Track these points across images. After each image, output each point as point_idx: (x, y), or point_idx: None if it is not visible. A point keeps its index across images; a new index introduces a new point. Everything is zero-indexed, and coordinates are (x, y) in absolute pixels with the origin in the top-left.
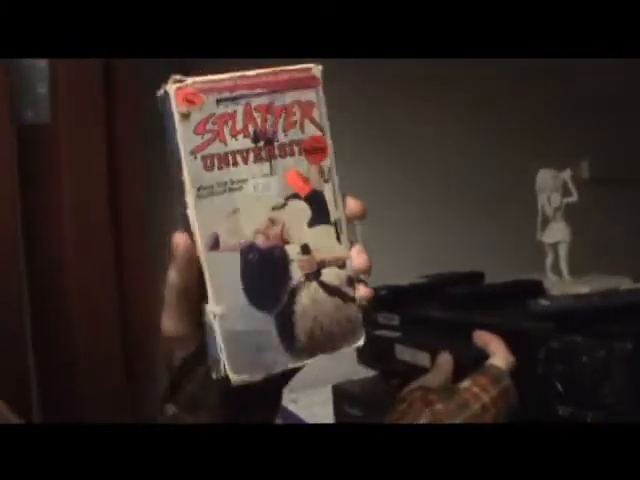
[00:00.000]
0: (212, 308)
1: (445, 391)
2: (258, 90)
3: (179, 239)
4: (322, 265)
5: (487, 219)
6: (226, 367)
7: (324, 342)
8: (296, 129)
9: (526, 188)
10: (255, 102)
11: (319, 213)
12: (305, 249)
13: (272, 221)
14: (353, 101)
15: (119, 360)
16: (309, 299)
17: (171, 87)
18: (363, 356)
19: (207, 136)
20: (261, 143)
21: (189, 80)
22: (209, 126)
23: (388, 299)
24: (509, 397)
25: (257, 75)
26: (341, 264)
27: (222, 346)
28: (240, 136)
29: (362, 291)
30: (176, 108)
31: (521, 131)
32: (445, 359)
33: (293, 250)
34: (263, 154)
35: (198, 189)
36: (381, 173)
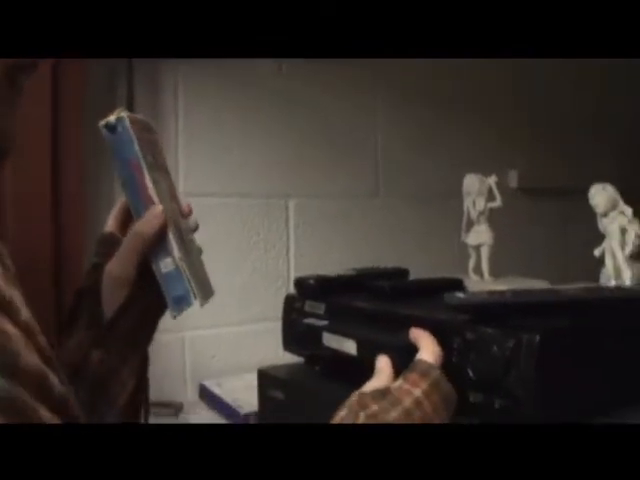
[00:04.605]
0: (178, 254)
1: (378, 392)
2: None
3: (159, 210)
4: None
5: (414, 219)
6: (196, 295)
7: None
8: None
9: (455, 191)
10: None
11: None
12: None
13: None
14: (290, 100)
15: None
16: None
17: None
18: (288, 342)
19: None
20: None
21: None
22: None
23: (315, 288)
24: (440, 387)
25: None
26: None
27: (191, 280)
28: None
29: None
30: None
31: (453, 137)
32: (383, 362)
33: None
34: None
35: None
36: (314, 169)
